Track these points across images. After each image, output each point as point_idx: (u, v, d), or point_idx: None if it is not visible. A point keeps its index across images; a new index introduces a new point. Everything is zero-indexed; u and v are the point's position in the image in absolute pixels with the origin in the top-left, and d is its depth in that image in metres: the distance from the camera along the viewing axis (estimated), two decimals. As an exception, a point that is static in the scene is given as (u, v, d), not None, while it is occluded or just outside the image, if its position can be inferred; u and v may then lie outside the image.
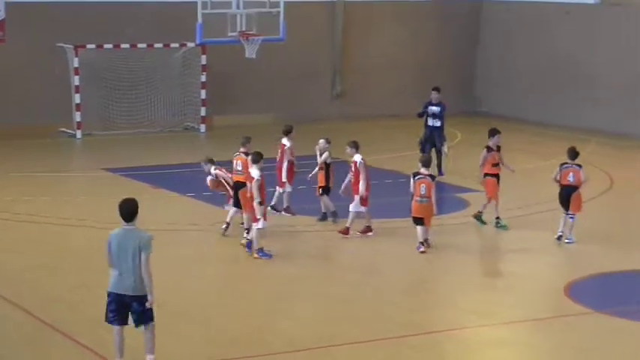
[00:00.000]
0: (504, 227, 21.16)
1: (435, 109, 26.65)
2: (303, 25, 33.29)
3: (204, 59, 34.03)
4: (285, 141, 22.61)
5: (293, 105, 35.81)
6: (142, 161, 28.76)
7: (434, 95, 27.00)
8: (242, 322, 15.56)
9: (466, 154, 29.73)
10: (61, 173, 27.15)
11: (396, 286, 17.79)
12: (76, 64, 32.69)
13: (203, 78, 34.40)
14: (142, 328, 12.95)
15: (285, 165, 22.28)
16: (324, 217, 21.80)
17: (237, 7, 28.81)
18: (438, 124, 26.57)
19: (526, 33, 36.93)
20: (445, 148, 26.52)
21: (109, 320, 12.95)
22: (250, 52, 29.39)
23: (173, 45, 33.92)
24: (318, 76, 37.01)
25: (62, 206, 22.02)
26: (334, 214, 21.66)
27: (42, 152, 29.97)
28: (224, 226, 20.29)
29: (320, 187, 21.78)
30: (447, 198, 24.26)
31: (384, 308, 16.33)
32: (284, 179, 22.22)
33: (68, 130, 33.01)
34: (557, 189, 20.28)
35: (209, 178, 21.12)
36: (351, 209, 20.38)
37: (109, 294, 12.89)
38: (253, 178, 18.77)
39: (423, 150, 26.15)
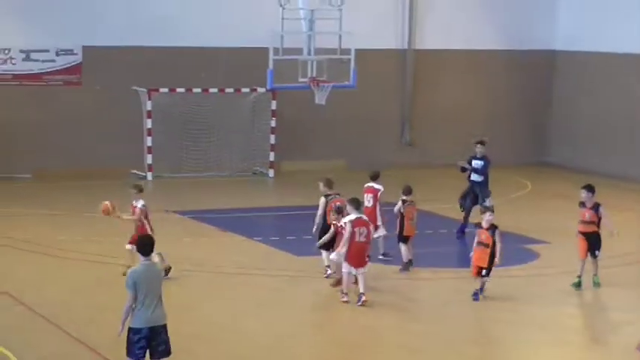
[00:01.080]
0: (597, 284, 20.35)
1: (478, 163, 25.68)
2: (373, 72, 33.34)
3: (274, 104, 34.19)
4: (377, 185, 22.49)
5: (362, 152, 35.74)
6: (211, 204, 28.89)
7: (478, 149, 25.90)
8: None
9: (536, 205, 29.61)
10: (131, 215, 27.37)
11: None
12: (148, 108, 32.98)
13: (273, 123, 34.52)
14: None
15: (378, 208, 22.06)
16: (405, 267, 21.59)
17: (308, 54, 28.87)
18: (480, 179, 25.62)
19: (600, 83, 36.51)
20: (488, 204, 25.07)
21: (137, 357, 13.03)
22: (320, 98, 29.40)
23: (244, 90, 34.10)
24: (388, 124, 36.98)
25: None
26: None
27: (113, 194, 30.04)
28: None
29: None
30: (516, 249, 24.02)
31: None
32: (379, 223, 21.89)
33: (139, 172, 33.25)
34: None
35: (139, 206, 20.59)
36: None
37: (140, 330, 12.96)
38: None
39: (462, 205, 25.60)
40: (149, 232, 19.46)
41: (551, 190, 29.65)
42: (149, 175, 33.11)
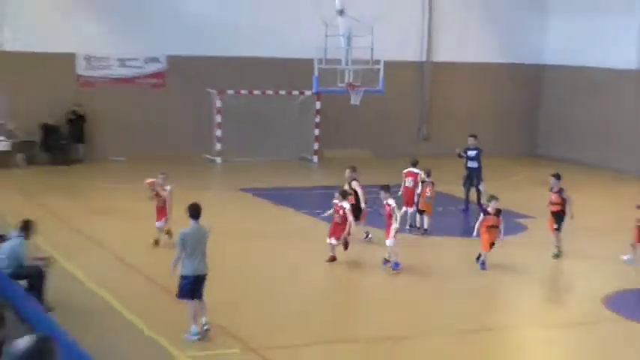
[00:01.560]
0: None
1: (472, 153, 25.88)
2: (397, 80, 33.47)
3: (318, 104, 34.44)
4: (416, 170, 23.04)
5: (386, 143, 36.00)
6: (267, 183, 29.18)
7: (470, 141, 26.15)
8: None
9: (526, 187, 29.80)
10: (205, 191, 27.70)
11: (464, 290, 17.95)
12: (218, 105, 33.31)
13: (317, 119, 34.79)
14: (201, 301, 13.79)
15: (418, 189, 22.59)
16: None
17: (346, 64, 29.11)
18: (475, 165, 25.79)
19: (580, 91, 36.56)
20: (482, 187, 25.61)
21: (185, 296, 13.82)
22: (355, 100, 29.63)
23: (294, 92, 34.39)
24: (408, 121, 37.16)
25: (206, 218, 22.44)
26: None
27: (190, 174, 30.52)
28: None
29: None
30: (509, 222, 24.23)
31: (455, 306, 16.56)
32: (416, 200, 22.57)
33: (210, 157, 33.65)
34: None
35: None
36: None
37: (187, 277, 13.70)
38: (391, 206, 18.66)
39: (464, 185, 25.91)
40: (168, 211, 19.78)
41: (538, 176, 29.64)
42: (218, 159, 33.46)
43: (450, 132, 36.85)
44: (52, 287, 15.10)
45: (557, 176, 20.57)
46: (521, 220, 24.50)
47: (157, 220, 19.88)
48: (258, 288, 17.12)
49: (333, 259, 18.87)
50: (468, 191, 25.89)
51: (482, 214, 19.44)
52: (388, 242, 18.50)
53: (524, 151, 37.87)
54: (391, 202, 18.68)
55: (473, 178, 25.79)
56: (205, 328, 13.76)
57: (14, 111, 31.26)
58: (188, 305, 13.80)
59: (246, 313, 15.33)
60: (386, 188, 19.01)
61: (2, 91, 31.25)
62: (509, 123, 38.04)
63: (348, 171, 21.45)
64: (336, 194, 19.47)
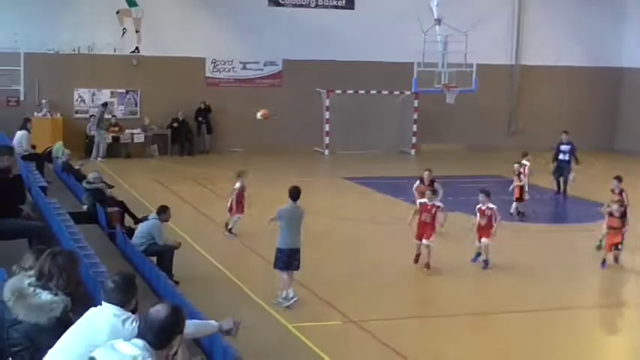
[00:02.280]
0: None
1: (565, 147, 25.83)
2: (489, 80, 33.05)
3: (416, 103, 34.23)
4: (525, 161, 22.94)
5: (479, 138, 35.59)
6: (370, 173, 29.10)
7: (564, 136, 26.20)
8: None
9: (604, 179, 29.07)
10: (312, 179, 27.85)
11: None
12: (327, 104, 33.43)
13: (415, 116, 34.59)
14: (289, 272, 14.01)
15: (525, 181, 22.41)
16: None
17: (442, 67, 29.00)
18: (567, 158, 25.70)
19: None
20: (571, 177, 25.46)
21: (279, 267, 14.11)
22: (450, 98, 29.45)
23: (395, 92, 34.24)
24: (498, 118, 36.67)
25: (314, 203, 22.43)
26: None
27: (301, 164, 30.74)
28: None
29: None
30: (594, 211, 23.67)
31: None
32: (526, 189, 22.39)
33: (319, 149, 33.76)
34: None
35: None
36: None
37: (282, 250, 13.98)
38: (493, 209, 17.01)
39: (554, 174, 25.85)
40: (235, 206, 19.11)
41: (616, 168, 28.93)
42: (326, 152, 33.58)
43: (535, 128, 36.28)
44: (178, 264, 15.32)
45: (619, 178, 19.69)
46: (600, 209, 23.87)
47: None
48: (360, 266, 17.08)
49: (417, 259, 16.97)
50: (558, 181, 25.78)
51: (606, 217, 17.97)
52: (486, 241, 16.86)
53: (602, 146, 36.95)
54: (492, 205, 17.00)
55: (563, 169, 25.69)
56: (293, 300, 13.96)
57: (149, 107, 31.93)
58: (281, 275, 14.11)
59: (348, 289, 15.31)
60: (486, 193, 17.33)
61: (140, 89, 31.99)
62: (589, 120, 37.15)
63: (427, 173, 20.23)
64: (482, 196, 17.25)
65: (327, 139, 33.60)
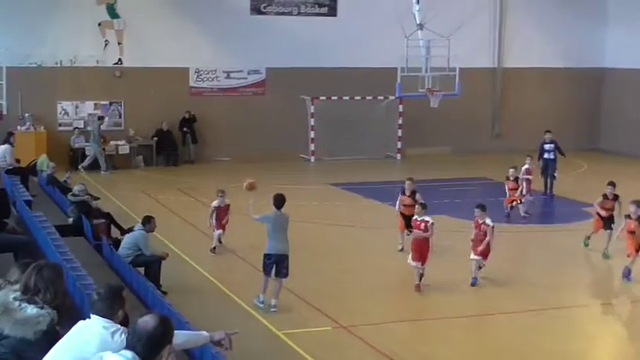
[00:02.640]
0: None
1: (548, 146, 26.18)
2: (472, 84, 33.13)
3: (401, 107, 34.22)
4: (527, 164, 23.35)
5: (463, 141, 35.64)
6: (356, 179, 29.08)
7: (547, 136, 26.51)
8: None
9: (589, 179, 29.19)
10: (299, 186, 27.83)
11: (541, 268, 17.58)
12: (312, 110, 33.39)
13: (400, 121, 34.57)
14: (278, 279, 14.15)
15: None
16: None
17: (426, 71, 29.06)
18: (551, 157, 26.08)
19: (637, 90, 35.72)
20: (556, 174, 26.12)
21: (267, 274, 14.33)
22: (434, 102, 29.51)
23: (379, 97, 34.24)
24: (482, 121, 36.71)
25: (301, 209, 22.50)
26: None
27: (287, 171, 30.70)
28: None
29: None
30: (577, 211, 23.75)
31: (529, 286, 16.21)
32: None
33: (305, 156, 33.72)
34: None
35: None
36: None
37: (269, 255, 14.19)
38: (488, 225, 16.01)
39: (542, 175, 26.09)
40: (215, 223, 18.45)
41: (601, 168, 29.13)
42: (312, 159, 33.54)
43: (519, 130, 36.40)
44: (166, 274, 15.24)
45: (613, 184, 19.31)
46: (587, 209, 23.95)
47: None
48: (348, 272, 17.04)
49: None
50: (546, 180, 26.09)
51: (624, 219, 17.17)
52: (477, 258, 16.05)
53: (586, 146, 37.07)
54: (488, 221, 16.03)
55: (549, 167, 26.06)
56: (272, 310, 14.10)
57: (133, 118, 31.82)
58: (264, 278, 14.32)
59: (337, 295, 15.27)
60: (482, 207, 16.26)
61: (124, 100, 31.89)
62: (573, 121, 37.26)
63: (408, 183, 18.66)
64: (477, 210, 16.25)
65: (312, 146, 33.57)
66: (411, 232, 16.51)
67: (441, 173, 30.41)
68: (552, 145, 26.17)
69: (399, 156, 34.66)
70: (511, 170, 22.74)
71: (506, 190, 22.56)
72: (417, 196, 18.18)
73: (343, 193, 26.55)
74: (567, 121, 37.00)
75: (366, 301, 14.99)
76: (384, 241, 19.94)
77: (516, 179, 22.52)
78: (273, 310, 14.03)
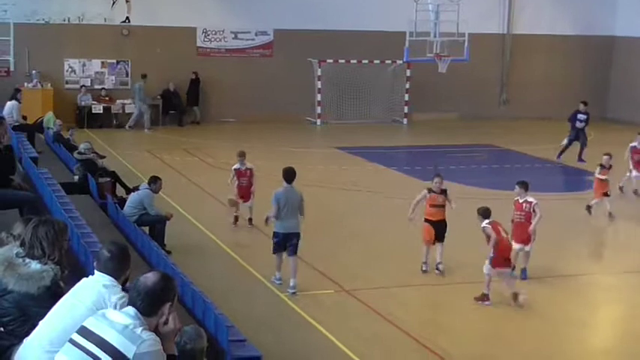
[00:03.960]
0: None
1: (582, 116, 26.24)
2: (481, 49, 32.91)
3: (408, 72, 34.06)
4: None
5: (471, 107, 35.49)
6: (362, 143, 29.01)
7: (582, 106, 26.46)
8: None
9: (597, 149, 29.05)
10: (305, 149, 27.83)
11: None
12: (319, 73, 33.27)
13: (407, 85, 34.43)
14: (291, 258, 13.36)
15: None
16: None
17: (434, 36, 28.90)
18: (583, 126, 26.21)
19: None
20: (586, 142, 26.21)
21: (276, 251, 13.53)
22: (442, 68, 29.37)
23: (387, 61, 34.08)
24: (490, 87, 36.54)
25: (307, 173, 22.38)
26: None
27: (293, 134, 30.67)
28: None
29: None
30: (583, 179, 23.70)
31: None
32: None
33: (311, 119, 33.65)
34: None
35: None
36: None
37: (277, 234, 13.43)
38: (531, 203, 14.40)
39: (567, 145, 26.03)
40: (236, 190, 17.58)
41: (608, 138, 28.93)
42: (318, 122, 33.47)
43: (527, 97, 36.28)
44: (170, 234, 15.28)
45: (609, 155, 19.49)
46: (592, 178, 23.88)
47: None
48: (353, 236, 17.06)
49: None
50: (568, 145, 26.09)
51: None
52: (525, 248, 14.53)
53: (594, 115, 36.80)
54: (531, 199, 14.47)
55: (580, 136, 26.23)
56: (290, 291, 13.23)
57: (140, 77, 31.70)
58: (276, 258, 13.60)
59: (341, 259, 15.30)
60: (523, 184, 14.61)
61: (130, 59, 31.80)
62: (581, 89, 36.99)
63: (437, 180, 14.82)
64: (517, 188, 14.56)
65: (319, 109, 33.48)
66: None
67: (447, 139, 30.35)
68: (585, 117, 26.30)
69: (405, 121, 34.56)
70: (605, 157, 19.50)
71: (597, 180, 19.49)
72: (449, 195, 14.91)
73: (349, 157, 26.50)
74: (575, 89, 36.75)
75: (370, 266, 15.01)
76: (388, 205, 19.94)
77: (610, 168, 19.40)
78: (291, 291, 13.18)
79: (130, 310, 4.89)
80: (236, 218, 17.51)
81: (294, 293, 13.16)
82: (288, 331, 11.69)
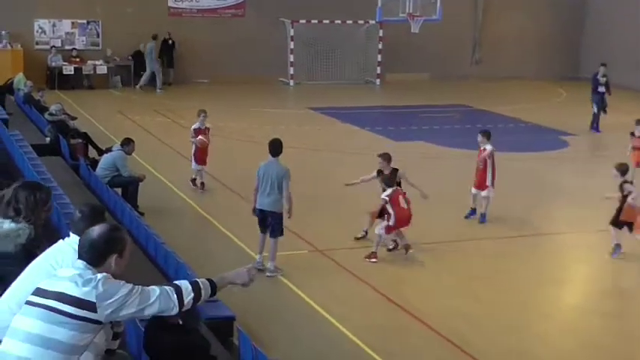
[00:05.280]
0: None
1: (603, 79, 24.81)
2: (453, 8, 32.85)
3: (381, 32, 34.00)
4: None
5: (443, 67, 35.50)
6: (335, 103, 29.02)
7: (602, 69, 25.04)
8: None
9: (569, 108, 29.22)
10: (278, 110, 27.78)
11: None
12: (292, 34, 33.11)
13: (380, 46, 34.39)
14: (270, 239, 12.52)
15: None
16: None
17: (407, -4, 28.88)
18: (603, 90, 24.82)
19: (623, 16, 35.46)
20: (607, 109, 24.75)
21: (259, 226, 12.63)
22: (415, 28, 29.39)
23: (360, 21, 33.97)
24: (463, 46, 36.55)
25: (279, 132, 22.28)
26: None
27: (266, 95, 30.58)
28: None
29: None
30: (554, 138, 23.89)
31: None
32: None
33: (285, 80, 33.54)
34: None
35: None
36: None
37: (255, 209, 12.53)
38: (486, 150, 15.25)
39: (598, 114, 24.68)
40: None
41: (580, 97, 29.08)
42: (291, 82, 33.38)
43: (499, 56, 36.34)
44: (143, 196, 15.25)
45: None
46: (564, 137, 24.13)
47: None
48: (326, 197, 17.10)
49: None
50: (599, 113, 24.75)
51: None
52: (482, 193, 15.44)
53: (567, 74, 37.06)
54: (488, 146, 15.33)
55: (603, 101, 24.82)
56: (268, 275, 12.36)
57: (111, 38, 31.43)
58: (259, 237, 12.81)
59: (314, 219, 15.32)
60: (485, 133, 15.51)
61: (101, 20, 31.46)
62: (554, 48, 37.19)
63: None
64: (479, 137, 15.61)
65: (291, 70, 33.36)
66: None
67: (420, 99, 30.41)
68: (605, 79, 24.85)
69: (378, 81, 34.55)
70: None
71: (629, 148, 18.78)
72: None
73: (322, 118, 26.49)
74: (548, 48, 36.94)
75: (343, 226, 15.06)
76: (361, 166, 19.93)
77: None
78: (268, 275, 12.36)
79: (79, 263, 4.97)
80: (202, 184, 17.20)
81: (270, 276, 12.39)
82: (262, 291, 11.74)
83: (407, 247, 13.57)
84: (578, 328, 11.55)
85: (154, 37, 30.84)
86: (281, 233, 12.62)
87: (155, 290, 5.02)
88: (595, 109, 24.78)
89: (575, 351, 10.73)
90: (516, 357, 10.38)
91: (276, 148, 12.54)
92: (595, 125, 24.88)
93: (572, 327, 11.60)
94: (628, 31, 34.83)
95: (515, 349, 10.54)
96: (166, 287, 5.07)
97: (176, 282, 5.17)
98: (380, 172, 13.98)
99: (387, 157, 14.06)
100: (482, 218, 15.45)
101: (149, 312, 4.98)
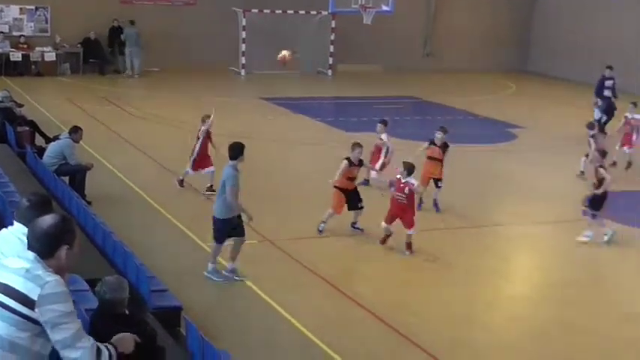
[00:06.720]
0: None
1: (609, 82, 23.87)
2: (405, 2, 32.97)
3: (334, 23, 34.02)
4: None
5: (394, 59, 35.66)
6: (286, 94, 29.05)
7: (607, 72, 24.06)
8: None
9: (517, 101, 29.50)
10: (229, 99, 27.67)
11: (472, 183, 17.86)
12: (243, 23, 32.99)
13: (332, 37, 34.41)
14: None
15: None
16: None
17: (359, -13, 28.93)
18: (610, 94, 23.81)
19: (570, 11, 35.98)
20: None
21: None
22: (367, 19, 29.41)
23: (312, 12, 33.97)
24: (414, 39, 36.76)
25: (231, 122, 22.26)
26: None
27: (218, 84, 30.47)
28: None
29: None
30: (501, 131, 24.18)
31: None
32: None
33: (235, 69, 33.43)
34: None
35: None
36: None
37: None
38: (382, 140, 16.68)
39: (601, 119, 23.21)
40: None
41: (529, 90, 29.52)
42: (242, 72, 33.27)
43: (450, 49, 36.62)
44: (91, 185, 15.14)
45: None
46: (512, 130, 24.41)
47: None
48: (277, 187, 17.15)
49: None
50: (602, 118, 23.47)
51: None
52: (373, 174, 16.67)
53: (516, 67, 37.48)
54: (384, 136, 16.65)
55: (611, 106, 23.64)
56: (224, 272, 12.02)
57: (60, 25, 31.04)
58: None
59: (264, 209, 15.26)
60: (383, 122, 16.91)
61: (50, 5, 31.05)
62: (503, 41, 37.57)
63: (440, 134, 16.01)
64: (379, 126, 16.73)
65: (243, 59, 33.25)
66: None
67: (371, 90, 30.54)
68: (612, 82, 23.89)
69: (330, 72, 34.58)
70: (631, 105, 19.84)
71: (621, 131, 19.62)
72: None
73: (274, 108, 26.48)
74: (498, 41, 37.31)
75: (293, 216, 15.13)
76: (312, 156, 20.05)
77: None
78: (225, 273, 11.99)
79: (29, 254, 4.86)
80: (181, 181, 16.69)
81: (226, 275, 11.99)
82: (210, 282, 11.75)
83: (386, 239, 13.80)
84: (522, 317, 11.74)
85: (132, 23, 30.88)
86: (215, 239, 12.04)
87: (89, 339, 4.81)
88: (597, 115, 23.45)
89: (520, 340, 10.91)
90: (461, 347, 10.52)
91: (234, 151, 11.99)
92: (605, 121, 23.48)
93: (516, 316, 11.79)
94: (575, 26, 35.32)
95: (460, 338, 10.69)
96: (95, 344, 4.83)
97: (99, 345, 4.88)
98: (350, 162, 14.35)
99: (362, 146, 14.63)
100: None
101: (68, 354, 4.70)
